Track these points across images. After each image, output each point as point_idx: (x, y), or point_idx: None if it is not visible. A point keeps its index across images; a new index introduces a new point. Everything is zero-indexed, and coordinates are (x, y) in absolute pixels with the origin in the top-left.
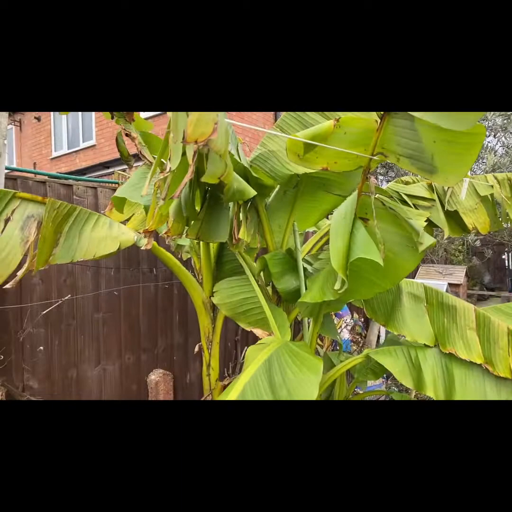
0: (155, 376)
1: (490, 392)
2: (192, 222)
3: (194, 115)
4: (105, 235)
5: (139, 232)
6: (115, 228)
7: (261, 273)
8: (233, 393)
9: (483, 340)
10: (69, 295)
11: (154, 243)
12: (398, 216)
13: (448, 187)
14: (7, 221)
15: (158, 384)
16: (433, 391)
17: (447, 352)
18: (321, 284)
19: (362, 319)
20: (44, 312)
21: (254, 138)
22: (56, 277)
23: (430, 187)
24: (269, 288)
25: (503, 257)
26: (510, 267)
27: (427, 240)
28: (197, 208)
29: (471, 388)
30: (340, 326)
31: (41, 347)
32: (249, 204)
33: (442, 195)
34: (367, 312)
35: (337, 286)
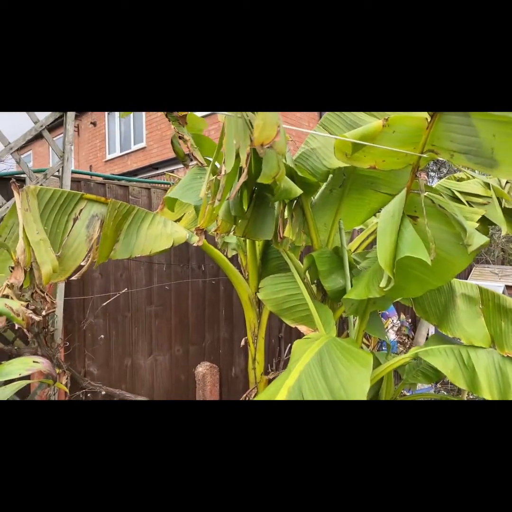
0: (202, 368)
1: None
2: (240, 220)
3: (260, 120)
4: (160, 233)
5: (190, 231)
6: (169, 226)
7: (307, 271)
8: (289, 380)
9: None
10: (126, 289)
11: (204, 240)
12: (447, 214)
13: (507, 183)
14: (75, 220)
15: (205, 376)
16: (488, 393)
17: (505, 355)
18: (367, 281)
19: (409, 320)
20: (104, 304)
21: (297, 135)
22: (113, 271)
23: (486, 184)
24: (313, 286)
25: None
26: None
27: (477, 240)
28: (244, 207)
29: None
30: (387, 327)
31: (102, 336)
32: (294, 203)
33: (499, 192)
34: (416, 311)
35: (383, 283)
